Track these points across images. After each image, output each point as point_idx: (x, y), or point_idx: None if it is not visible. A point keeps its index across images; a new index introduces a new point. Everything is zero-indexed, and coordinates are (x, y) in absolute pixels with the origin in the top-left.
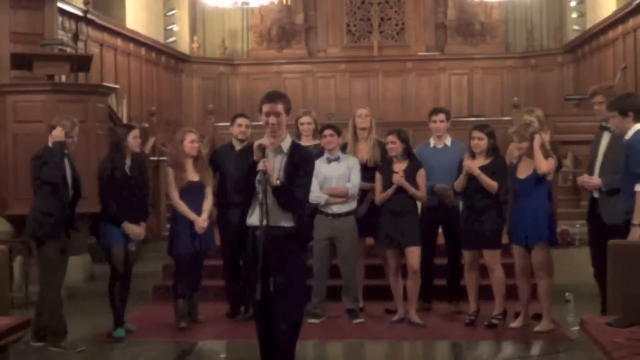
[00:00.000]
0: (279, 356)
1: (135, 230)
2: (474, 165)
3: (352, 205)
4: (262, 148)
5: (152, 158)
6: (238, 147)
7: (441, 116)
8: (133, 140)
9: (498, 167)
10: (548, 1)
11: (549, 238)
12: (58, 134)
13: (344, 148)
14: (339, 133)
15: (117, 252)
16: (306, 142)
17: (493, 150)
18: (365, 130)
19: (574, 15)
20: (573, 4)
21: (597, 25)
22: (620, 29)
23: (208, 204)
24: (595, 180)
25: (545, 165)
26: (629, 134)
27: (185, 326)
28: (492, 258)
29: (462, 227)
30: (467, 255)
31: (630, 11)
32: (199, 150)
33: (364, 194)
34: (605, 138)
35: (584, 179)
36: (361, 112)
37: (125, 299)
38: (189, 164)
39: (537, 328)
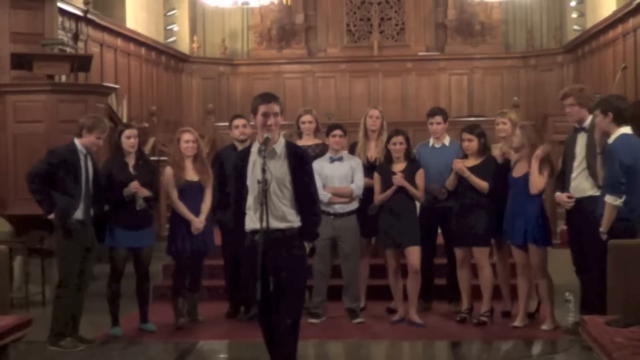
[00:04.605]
0: (280, 355)
1: (135, 183)
2: (463, 166)
3: (354, 205)
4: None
5: (152, 158)
6: (240, 147)
7: (438, 118)
8: (126, 140)
9: (488, 167)
10: (548, 1)
11: (542, 240)
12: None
13: (354, 146)
14: (345, 133)
15: (119, 253)
16: (307, 141)
17: (484, 151)
18: (375, 132)
19: (574, 15)
20: (573, 4)
21: (597, 25)
22: (620, 29)
23: (206, 205)
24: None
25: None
26: (611, 138)
27: (184, 323)
28: (481, 256)
29: (454, 224)
30: (458, 253)
31: (630, 11)
32: (197, 150)
33: (371, 192)
34: (581, 139)
35: (563, 198)
36: (372, 113)
37: (146, 300)
38: (188, 164)
39: (544, 327)
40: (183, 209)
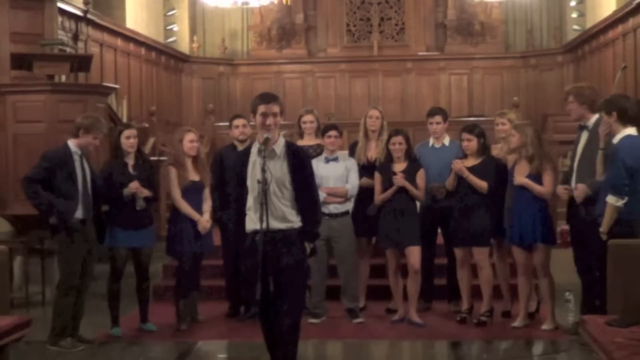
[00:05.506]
0: (281, 355)
1: (135, 183)
2: (462, 166)
3: (348, 205)
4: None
5: (151, 158)
6: (240, 147)
7: (437, 118)
8: (125, 140)
9: (488, 167)
10: (548, 1)
11: (548, 239)
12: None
13: (354, 146)
14: (341, 134)
15: (119, 253)
16: (308, 140)
17: (483, 150)
18: (375, 132)
19: (574, 15)
20: (573, 3)
21: (597, 25)
22: (620, 28)
23: (208, 204)
24: (580, 189)
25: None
26: (616, 138)
27: (186, 329)
28: (481, 256)
29: (453, 224)
30: (458, 253)
31: (630, 11)
32: (198, 150)
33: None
34: (584, 137)
35: (561, 191)
36: (372, 113)
37: (146, 300)
38: (189, 163)
39: (544, 327)
40: (188, 209)
